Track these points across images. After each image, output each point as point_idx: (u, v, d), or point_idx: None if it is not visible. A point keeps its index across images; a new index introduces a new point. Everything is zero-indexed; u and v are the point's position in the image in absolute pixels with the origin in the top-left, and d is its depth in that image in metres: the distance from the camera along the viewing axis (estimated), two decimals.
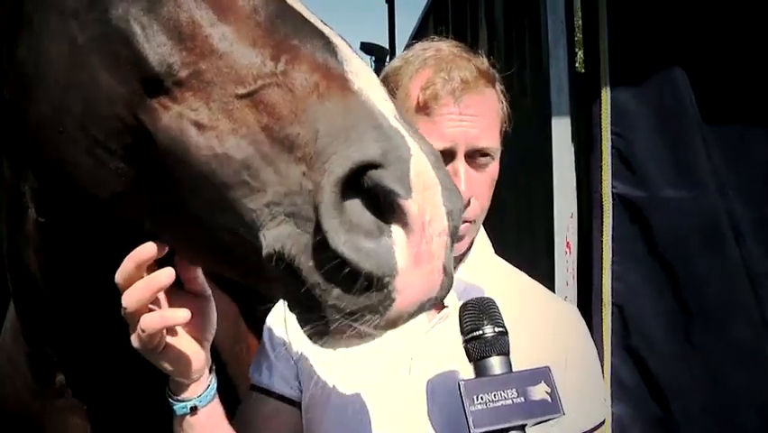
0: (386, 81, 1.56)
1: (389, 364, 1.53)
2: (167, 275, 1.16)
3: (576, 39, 3.02)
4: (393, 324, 0.97)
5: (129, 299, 1.19)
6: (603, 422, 1.62)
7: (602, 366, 2.61)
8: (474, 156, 1.51)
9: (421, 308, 0.98)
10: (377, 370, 1.51)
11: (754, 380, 2.57)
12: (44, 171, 1.22)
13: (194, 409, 1.33)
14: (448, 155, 1.47)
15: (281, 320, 1.67)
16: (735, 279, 2.60)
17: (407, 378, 1.52)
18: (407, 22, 7.79)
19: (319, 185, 0.91)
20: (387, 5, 9.27)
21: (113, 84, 1.04)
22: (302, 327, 1.03)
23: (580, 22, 2.87)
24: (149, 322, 1.19)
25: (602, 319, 2.66)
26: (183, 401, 1.32)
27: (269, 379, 1.63)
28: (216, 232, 1.04)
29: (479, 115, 1.50)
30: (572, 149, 2.79)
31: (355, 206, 0.92)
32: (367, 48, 9.69)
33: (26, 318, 1.55)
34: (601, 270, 2.67)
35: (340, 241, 0.90)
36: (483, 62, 1.59)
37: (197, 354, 1.30)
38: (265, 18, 1.01)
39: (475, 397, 1.25)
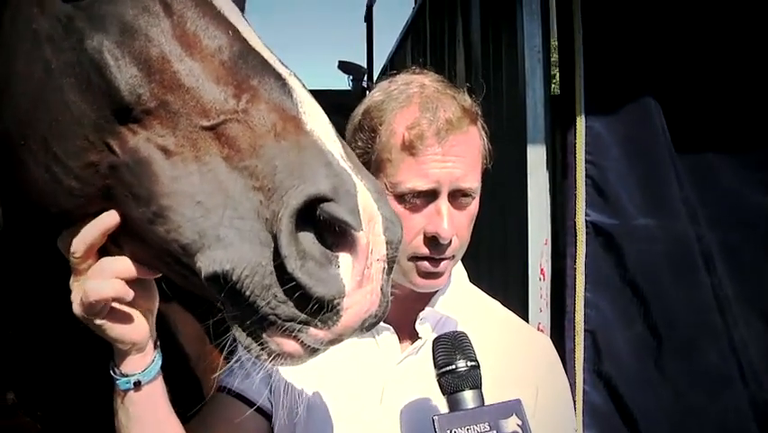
0: (367, 115, 1.55)
1: (361, 393, 1.52)
2: (112, 216, 1.15)
3: (553, 60, 2.97)
4: (338, 338, 1.05)
5: (78, 242, 1.16)
6: None
7: (575, 391, 2.60)
8: (456, 196, 1.52)
9: (362, 325, 1.06)
10: (349, 397, 1.50)
11: (721, 404, 2.58)
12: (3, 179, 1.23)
13: (137, 385, 1.27)
14: (431, 195, 1.48)
15: None
16: (704, 304, 2.60)
17: (379, 407, 1.52)
18: (386, 42, 7.83)
19: (277, 215, 1.00)
20: (365, 24, 9.27)
21: (83, 108, 1.09)
22: (241, 340, 1.09)
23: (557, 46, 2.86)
24: (103, 267, 1.16)
25: (575, 346, 2.64)
26: (126, 376, 1.27)
27: (242, 384, 1.57)
28: (163, 244, 1.09)
29: (462, 156, 1.51)
30: (547, 176, 2.75)
31: (308, 237, 1.01)
32: (345, 67, 9.52)
33: None
34: (574, 296, 2.64)
35: (297, 266, 0.99)
36: (466, 99, 1.57)
37: (141, 322, 1.25)
38: (228, 58, 1.08)
39: (449, 431, 1.26)
